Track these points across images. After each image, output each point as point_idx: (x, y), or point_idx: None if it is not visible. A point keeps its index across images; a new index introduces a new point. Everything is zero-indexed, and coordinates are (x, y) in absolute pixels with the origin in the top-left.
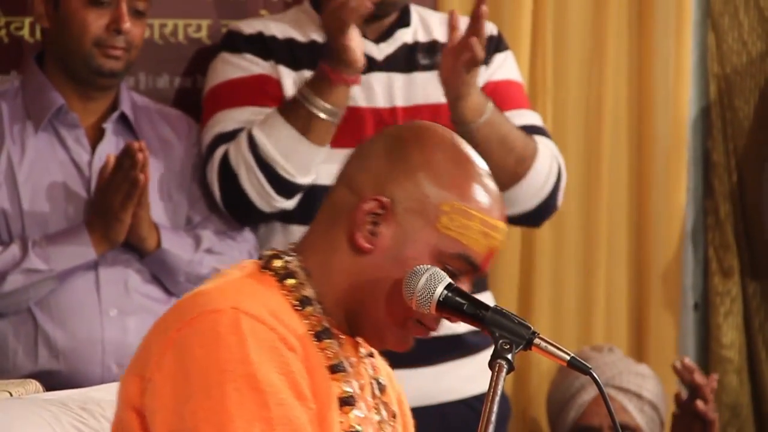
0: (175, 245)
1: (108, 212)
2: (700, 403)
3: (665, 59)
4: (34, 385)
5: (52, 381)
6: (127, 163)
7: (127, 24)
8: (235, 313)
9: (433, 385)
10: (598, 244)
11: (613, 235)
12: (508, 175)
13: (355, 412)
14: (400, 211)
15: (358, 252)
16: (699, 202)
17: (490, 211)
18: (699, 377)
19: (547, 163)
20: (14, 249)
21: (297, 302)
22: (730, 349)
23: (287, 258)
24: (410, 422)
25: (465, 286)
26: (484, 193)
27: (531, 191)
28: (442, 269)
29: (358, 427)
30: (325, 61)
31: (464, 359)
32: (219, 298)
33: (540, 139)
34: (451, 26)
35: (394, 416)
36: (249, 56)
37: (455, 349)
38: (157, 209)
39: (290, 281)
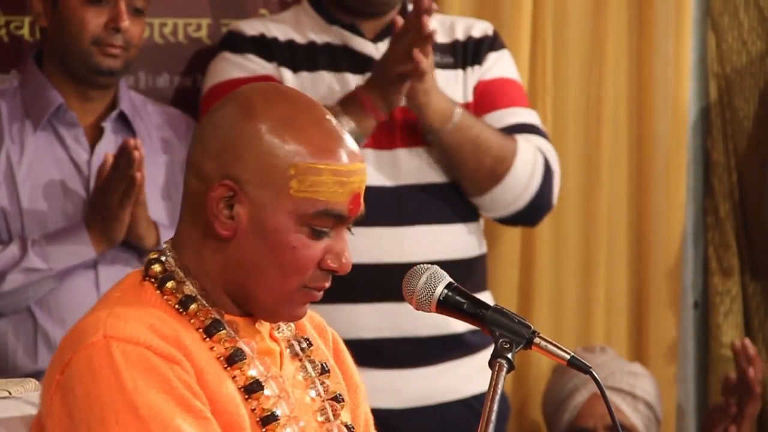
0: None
1: (106, 211)
2: (751, 372)
3: (665, 59)
4: (34, 384)
5: None
6: (123, 162)
7: (126, 22)
8: (107, 342)
9: (432, 385)
10: (598, 244)
11: (613, 235)
12: (485, 179)
13: (266, 392)
14: (249, 189)
15: (223, 239)
16: (699, 202)
17: (338, 157)
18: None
19: (529, 161)
20: (13, 248)
21: (178, 305)
22: (729, 349)
23: (166, 258)
24: (348, 360)
25: (341, 240)
26: (326, 141)
27: (514, 192)
28: (310, 232)
29: (274, 409)
30: (365, 90)
31: (463, 359)
32: (91, 329)
33: (526, 137)
34: (395, 25)
35: (324, 371)
36: (252, 57)
37: (454, 348)
38: (157, 208)
39: (170, 284)
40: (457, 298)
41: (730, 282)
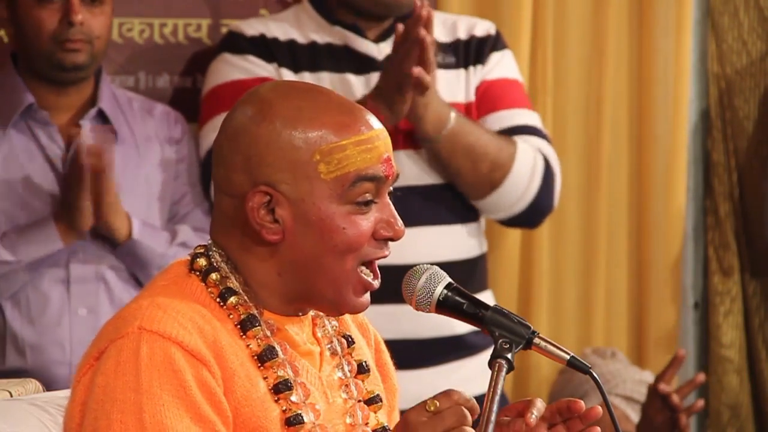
0: (148, 237)
1: (66, 201)
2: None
3: (665, 59)
4: (35, 384)
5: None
6: (71, 152)
7: (79, 15)
8: (139, 334)
9: (433, 386)
10: (598, 244)
11: (613, 235)
12: (483, 184)
13: (293, 398)
14: (284, 188)
15: (273, 245)
16: (699, 202)
17: (357, 129)
18: (676, 399)
19: (528, 164)
20: None
21: (219, 297)
22: (729, 349)
23: (212, 253)
24: (388, 362)
25: (387, 207)
26: (342, 117)
27: (513, 196)
28: (354, 208)
29: (298, 411)
30: (371, 100)
31: (464, 360)
32: (130, 318)
33: (526, 139)
34: (396, 34)
35: (362, 371)
36: (252, 58)
37: (455, 350)
38: (140, 204)
39: (214, 276)
40: (457, 298)
41: (730, 282)
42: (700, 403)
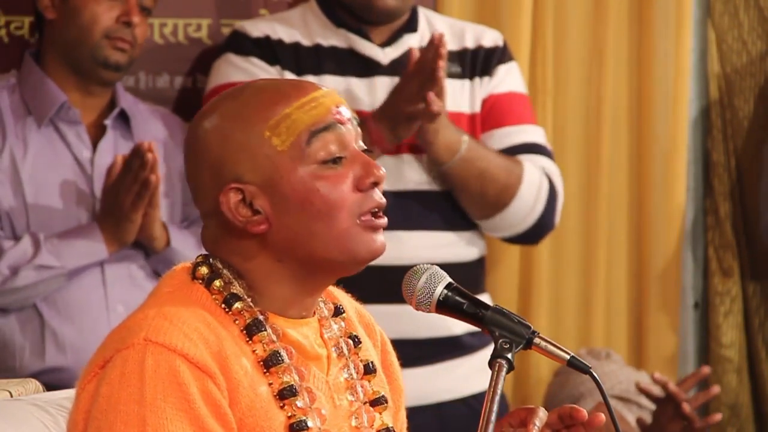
0: (182, 244)
1: (119, 212)
2: (686, 406)
3: (665, 59)
4: (35, 384)
5: (60, 377)
6: (136, 164)
7: (137, 17)
8: (145, 346)
9: (430, 384)
10: (598, 244)
11: (613, 235)
12: (489, 207)
13: (298, 404)
14: (250, 178)
15: (262, 235)
16: (699, 202)
17: (298, 95)
18: (673, 386)
19: (534, 187)
20: (26, 244)
21: (224, 303)
22: (729, 349)
23: (213, 261)
24: (394, 362)
25: (359, 156)
26: (282, 91)
27: (517, 217)
28: (322, 167)
29: (303, 417)
30: (374, 121)
31: (461, 359)
32: (137, 329)
33: (532, 159)
34: (410, 59)
35: (369, 371)
36: (255, 60)
37: (452, 350)
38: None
39: (218, 282)
40: (457, 298)
41: (730, 282)
42: (717, 416)
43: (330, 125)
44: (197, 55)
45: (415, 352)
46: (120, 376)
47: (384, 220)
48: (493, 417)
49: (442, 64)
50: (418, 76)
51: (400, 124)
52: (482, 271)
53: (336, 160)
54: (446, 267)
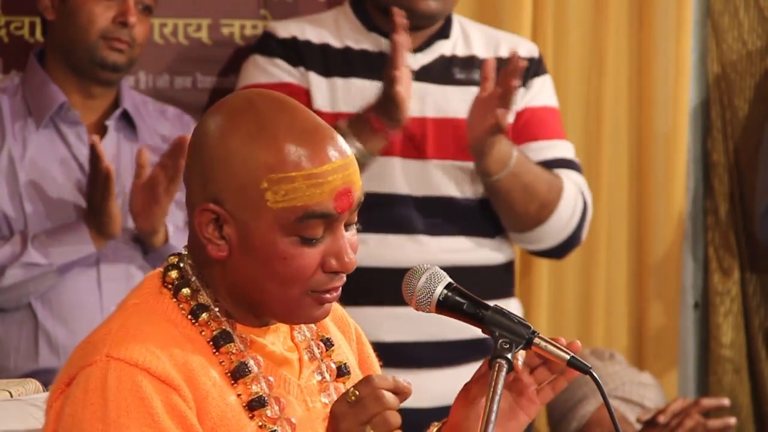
0: (180, 241)
1: (95, 207)
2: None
3: (665, 59)
4: (34, 384)
5: (54, 379)
6: (94, 158)
7: (134, 18)
8: (107, 362)
9: (456, 385)
10: (598, 244)
11: (613, 235)
12: (530, 220)
13: (268, 413)
14: (230, 208)
15: (221, 260)
16: (699, 202)
17: (311, 161)
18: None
19: (571, 204)
20: (14, 243)
21: (190, 314)
22: (729, 349)
23: (184, 264)
24: (370, 354)
25: (339, 239)
26: (298, 146)
27: (552, 232)
28: (299, 240)
29: (273, 426)
30: (372, 109)
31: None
32: (100, 345)
33: (568, 175)
34: (484, 76)
35: (342, 373)
36: (279, 61)
37: (477, 351)
38: None
39: (185, 291)
40: (457, 298)
41: (730, 282)
42: (732, 420)
43: (329, 215)
44: (197, 55)
45: (442, 354)
46: (83, 395)
47: (336, 295)
48: (493, 417)
49: (517, 84)
50: (493, 98)
51: (391, 108)
52: (509, 275)
53: (312, 241)
54: (470, 270)
